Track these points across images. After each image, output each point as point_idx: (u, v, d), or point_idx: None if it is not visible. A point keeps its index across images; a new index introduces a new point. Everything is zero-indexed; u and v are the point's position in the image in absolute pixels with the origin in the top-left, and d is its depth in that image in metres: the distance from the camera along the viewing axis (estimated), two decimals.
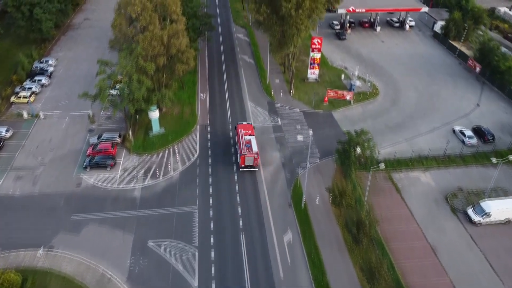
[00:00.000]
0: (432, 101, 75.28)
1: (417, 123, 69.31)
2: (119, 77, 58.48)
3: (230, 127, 68.04)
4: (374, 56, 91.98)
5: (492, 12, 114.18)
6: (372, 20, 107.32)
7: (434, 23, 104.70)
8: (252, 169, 58.50)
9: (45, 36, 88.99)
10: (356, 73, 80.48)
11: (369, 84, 79.00)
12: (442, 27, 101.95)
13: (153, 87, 59.80)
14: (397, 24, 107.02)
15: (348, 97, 74.33)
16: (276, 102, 74.87)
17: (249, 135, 60.29)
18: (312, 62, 79.21)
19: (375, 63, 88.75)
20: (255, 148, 57.74)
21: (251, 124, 65.09)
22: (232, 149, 62.92)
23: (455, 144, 64.11)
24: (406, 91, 78.32)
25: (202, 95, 76.72)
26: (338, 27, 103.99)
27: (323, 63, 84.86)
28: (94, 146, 60.49)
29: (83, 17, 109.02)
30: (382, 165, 50.45)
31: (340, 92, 74.40)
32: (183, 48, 62.82)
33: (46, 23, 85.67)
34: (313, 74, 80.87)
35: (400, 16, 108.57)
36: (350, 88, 77.84)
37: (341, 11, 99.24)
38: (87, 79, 78.24)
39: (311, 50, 77.68)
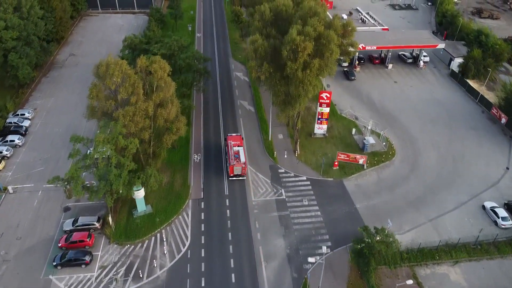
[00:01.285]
0: (455, 165, 66.45)
1: (441, 197, 60.55)
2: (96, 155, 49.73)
3: (227, 203, 59.33)
4: (387, 102, 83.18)
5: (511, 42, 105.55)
6: (383, 55, 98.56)
7: (451, 59, 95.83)
8: (240, 178, 62.41)
9: (22, 83, 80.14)
10: (369, 127, 71.80)
11: (384, 143, 70.21)
12: (460, 65, 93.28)
13: (136, 166, 51.04)
14: (410, 60, 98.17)
15: (361, 161, 65.64)
16: (280, 166, 66.10)
17: (238, 146, 64.20)
18: (319, 117, 70.50)
19: (388, 112, 79.98)
20: (242, 158, 61.96)
21: (240, 135, 68.15)
22: (230, 235, 54.20)
23: (487, 226, 55.55)
24: (425, 151, 69.52)
25: (196, 157, 67.96)
26: (346, 64, 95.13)
27: (331, 111, 75.80)
28: (68, 236, 51.80)
29: (69, 51, 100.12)
30: (409, 282, 41.83)
31: (352, 155, 65.64)
32: (172, 117, 54.16)
33: (23, 70, 76.80)
34: (320, 129, 72.19)
35: (413, 51, 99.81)
36: (363, 147, 69.12)
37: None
38: (66, 138, 68.89)
39: (318, 104, 69.03)
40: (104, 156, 47.27)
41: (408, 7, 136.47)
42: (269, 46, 59.64)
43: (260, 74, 59.16)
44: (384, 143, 70.28)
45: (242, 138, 67.57)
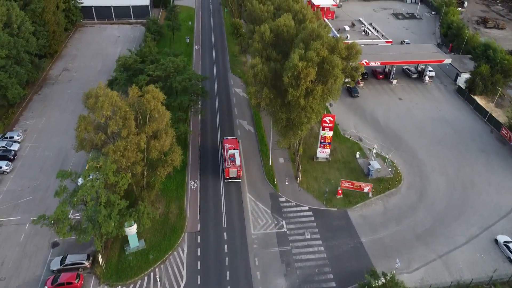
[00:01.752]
0: (465, 193, 63.18)
1: (451, 229, 57.30)
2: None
3: (226, 236, 56.09)
4: (392, 121, 79.97)
5: None
6: (387, 70, 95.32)
7: (457, 75, 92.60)
8: (236, 180, 63.95)
9: (12, 102, 76.88)
10: (374, 151, 68.62)
11: (390, 169, 66.95)
12: (467, 81, 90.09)
13: (127, 203, 47.80)
14: (415, 75, 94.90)
15: (366, 189, 62.45)
16: (281, 194, 62.88)
17: (234, 149, 65.59)
18: (322, 140, 67.30)
19: (393, 132, 76.77)
20: (238, 161, 63.48)
21: (236, 138, 69.87)
22: (228, 274, 50.97)
23: (500, 263, 52.38)
24: (433, 176, 66.28)
25: (192, 183, 64.73)
26: (349, 79, 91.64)
27: (334, 132, 72.46)
28: (55, 276, 48.54)
29: (62, 66, 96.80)
30: None
31: (356, 183, 62.42)
32: (166, 149, 50.94)
33: (12, 89, 73.55)
34: (323, 153, 68.98)
35: (418, 66, 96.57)
36: (368, 173, 65.92)
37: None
38: (56, 163, 66.49)
39: (321, 128, 65.84)
40: (92, 195, 44.06)
41: (412, 16, 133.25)
42: (270, 71, 56.51)
43: (260, 101, 56.03)
44: (390, 169, 67.05)
45: (238, 142, 68.94)
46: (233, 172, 63.02)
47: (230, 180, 64.08)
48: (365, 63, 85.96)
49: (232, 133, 76.11)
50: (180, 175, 65.52)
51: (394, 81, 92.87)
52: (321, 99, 54.85)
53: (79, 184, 48.01)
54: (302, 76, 51.12)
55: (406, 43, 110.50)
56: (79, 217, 53.68)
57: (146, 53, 78.47)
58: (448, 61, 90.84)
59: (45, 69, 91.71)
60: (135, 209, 48.52)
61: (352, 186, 62.46)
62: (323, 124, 65.13)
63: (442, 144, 73.98)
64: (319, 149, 68.50)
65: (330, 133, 66.35)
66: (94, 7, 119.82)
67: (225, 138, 69.66)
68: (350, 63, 59.87)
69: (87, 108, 47.18)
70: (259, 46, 60.40)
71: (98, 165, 46.22)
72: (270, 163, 68.52)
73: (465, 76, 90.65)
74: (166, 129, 51.23)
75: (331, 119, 64.74)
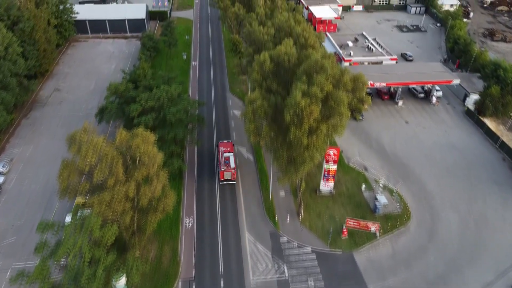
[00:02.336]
0: (479, 233, 59.18)
1: (464, 275, 53.24)
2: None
3: (222, 284, 52.10)
4: (398, 147, 75.97)
5: None
6: (392, 90, 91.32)
7: (466, 95, 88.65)
8: (230, 182, 66.23)
9: None
10: (381, 184, 64.69)
11: (398, 205, 62.96)
12: (476, 103, 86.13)
13: (115, 256, 43.79)
14: (421, 95, 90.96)
15: (373, 229, 58.49)
16: (282, 233, 58.90)
17: (229, 152, 68.22)
18: (326, 173, 63.38)
19: (400, 160, 72.78)
20: (232, 164, 65.92)
21: (231, 142, 72.71)
22: None
23: None
24: (443, 213, 62.28)
25: (187, 221, 60.80)
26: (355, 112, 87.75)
27: (338, 161, 68.73)
28: None
29: (53, 85, 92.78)
30: None
31: (362, 223, 58.44)
32: (157, 195, 46.95)
33: None
34: (327, 186, 65.06)
35: (425, 85, 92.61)
36: (374, 209, 61.96)
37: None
38: (43, 198, 62.67)
39: (325, 161, 61.90)
40: (75, 253, 40.08)
41: (416, 29, 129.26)
42: (270, 105, 52.56)
43: (259, 139, 52.07)
44: (397, 204, 63.08)
45: (233, 145, 71.80)
46: (227, 175, 65.57)
47: (225, 182, 66.43)
48: (370, 84, 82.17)
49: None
50: (174, 211, 61.42)
51: (400, 102, 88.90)
52: (326, 137, 50.97)
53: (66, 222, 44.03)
54: (305, 115, 47.26)
55: (408, 56, 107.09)
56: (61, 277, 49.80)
57: (140, 75, 74.55)
58: (456, 81, 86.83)
59: (35, 90, 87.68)
60: (123, 262, 44.50)
61: (358, 226, 58.51)
62: (327, 157, 61.22)
63: (452, 173, 69.98)
64: (322, 182, 64.58)
65: (334, 166, 62.43)
66: (88, 20, 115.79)
67: (220, 141, 72.67)
68: (356, 95, 55.90)
69: (70, 153, 43.24)
70: (258, 77, 56.44)
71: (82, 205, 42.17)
72: (270, 198, 64.59)
73: (474, 97, 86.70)
74: (158, 172, 47.20)
75: (336, 153, 60.85)
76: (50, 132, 77.82)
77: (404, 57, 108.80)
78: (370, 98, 57.38)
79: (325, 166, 62.38)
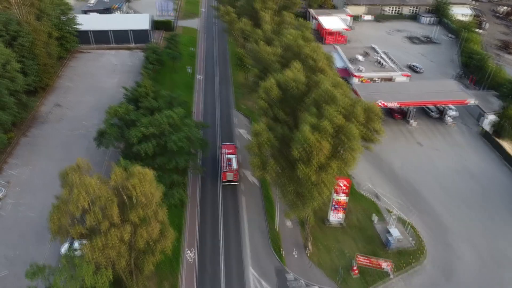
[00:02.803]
0: (499, 273, 55.28)
1: None
2: None
3: None
4: (411, 173, 72.17)
5: None
6: (405, 109, 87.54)
7: (481, 115, 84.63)
8: (233, 183, 67.80)
9: None
10: (394, 216, 61.11)
11: (411, 239, 59.34)
12: (493, 124, 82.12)
13: None
14: (435, 115, 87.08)
15: (385, 267, 54.96)
16: (288, 270, 55.55)
17: (231, 154, 69.69)
18: (335, 205, 59.98)
19: (413, 187, 69.02)
20: (234, 165, 67.50)
21: (234, 144, 74.43)
22: None
23: None
24: (461, 249, 58.48)
25: (189, 254, 57.68)
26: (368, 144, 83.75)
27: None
28: None
29: (54, 101, 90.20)
30: None
31: (374, 260, 54.89)
32: (155, 237, 43.89)
33: None
34: (336, 217, 61.64)
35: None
36: (387, 243, 58.44)
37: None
38: (39, 226, 59.62)
39: (334, 192, 58.47)
40: None
41: (428, 40, 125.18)
42: (277, 138, 49.36)
43: (265, 174, 48.87)
44: (411, 238, 59.46)
45: (236, 147, 73.34)
46: (230, 176, 67.27)
47: (227, 183, 67.81)
48: (381, 104, 78.60)
49: (234, 188, 68.83)
50: (175, 242, 58.34)
51: (413, 123, 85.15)
52: (336, 174, 47.58)
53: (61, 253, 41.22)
54: (314, 151, 43.99)
55: (417, 68, 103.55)
56: None
57: (142, 93, 71.70)
58: (472, 101, 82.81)
59: (34, 107, 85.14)
60: None
61: (369, 264, 55.01)
62: (336, 188, 57.82)
63: (468, 204, 66.11)
64: (331, 213, 61.18)
65: (345, 198, 59.02)
66: (92, 31, 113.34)
67: (223, 143, 74.31)
68: (369, 126, 52.45)
69: (61, 195, 40.33)
70: (264, 105, 53.25)
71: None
72: (276, 228, 61.33)
73: (490, 117, 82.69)
74: (156, 210, 44.18)
75: (346, 184, 57.40)
76: (49, 151, 75.03)
77: (413, 69, 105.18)
78: (383, 129, 53.76)
79: (334, 197, 58.96)
